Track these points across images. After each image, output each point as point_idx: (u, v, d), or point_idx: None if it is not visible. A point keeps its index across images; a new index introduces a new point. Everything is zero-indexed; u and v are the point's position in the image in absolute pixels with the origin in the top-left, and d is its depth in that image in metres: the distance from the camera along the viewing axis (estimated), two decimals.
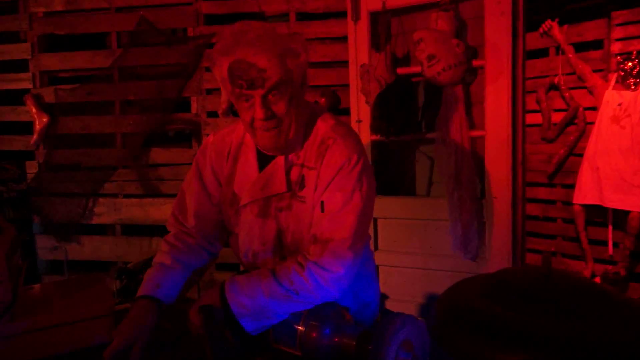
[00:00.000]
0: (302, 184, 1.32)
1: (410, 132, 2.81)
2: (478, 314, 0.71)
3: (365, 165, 1.31)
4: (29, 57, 3.44)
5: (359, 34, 2.85)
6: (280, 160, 1.34)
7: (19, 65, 3.47)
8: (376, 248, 2.87)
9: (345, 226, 1.25)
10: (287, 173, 1.33)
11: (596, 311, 0.72)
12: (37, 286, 1.66)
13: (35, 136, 3.41)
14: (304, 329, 1.16)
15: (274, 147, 1.31)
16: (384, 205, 2.78)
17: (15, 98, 3.45)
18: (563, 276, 0.78)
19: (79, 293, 1.51)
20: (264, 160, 1.36)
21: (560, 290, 0.74)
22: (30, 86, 3.45)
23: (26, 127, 3.45)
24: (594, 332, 0.69)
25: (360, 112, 2.86)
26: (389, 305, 2.86)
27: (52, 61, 3.46)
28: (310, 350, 1.15)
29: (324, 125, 1.34)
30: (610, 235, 2.50)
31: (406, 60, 2.98)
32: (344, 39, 2.94)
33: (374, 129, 2.76)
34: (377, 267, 2.84)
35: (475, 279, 0.84)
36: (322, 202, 1.28)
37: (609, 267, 2.48)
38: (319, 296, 1.23)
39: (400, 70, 2.80)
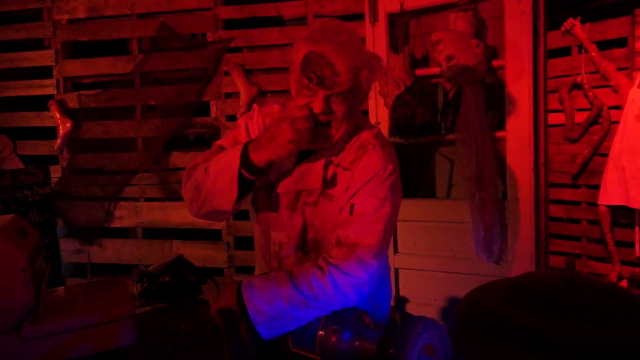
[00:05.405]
0: (333, 182, 1.32)
1: (429, 134, 2.78)
2: (499, 319, 0.69)
3: (397, 179, 1.32)
4: (53, 63, 3.52)
5: (376, 36, 2.83)
6: (319, 156, 1.33)
7: (44, 72, 3.55)
8: (396, 251, 2.85)
9: (374, 233, 1.25)
10: (324, 170, 1.33)
11: (621, 316, 0.70)
12: (60, 289, 1.68)
13: (59, 141, 3.49)
14: (323, 333, 1.15)
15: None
16: (403, 208, 2.69)
17: (40, 104, 3.53)
18: (587, 280, 0.76)
19: (101, 296, 1.53)
20: (301, 152, 1.33)
21: (584, 295, 0.72)
22: (54, 92, 3.53)
23: (51, 132, 3.53)
24: (619, 337, 0.67)
25: (379, 114, 2.85)
26: (409, 308, 2.83)
27: (75, 67, 3.53)
28: (330, 355, 1.13)
29: (367, 132, 1.35)
30: (637, 237, 2.44)
31: (424, 62, 2.96)
32: (361, 41, 2.92)
33: (393, 131, 2.74)
34: (395, 269, 2.84)
35: (497, 283, 0.82)
36: (351, 205, 1.27)
37: (637, 270, 2.42)
38: (338, 302, 1.22)
39: (419, 72, 2.78)
